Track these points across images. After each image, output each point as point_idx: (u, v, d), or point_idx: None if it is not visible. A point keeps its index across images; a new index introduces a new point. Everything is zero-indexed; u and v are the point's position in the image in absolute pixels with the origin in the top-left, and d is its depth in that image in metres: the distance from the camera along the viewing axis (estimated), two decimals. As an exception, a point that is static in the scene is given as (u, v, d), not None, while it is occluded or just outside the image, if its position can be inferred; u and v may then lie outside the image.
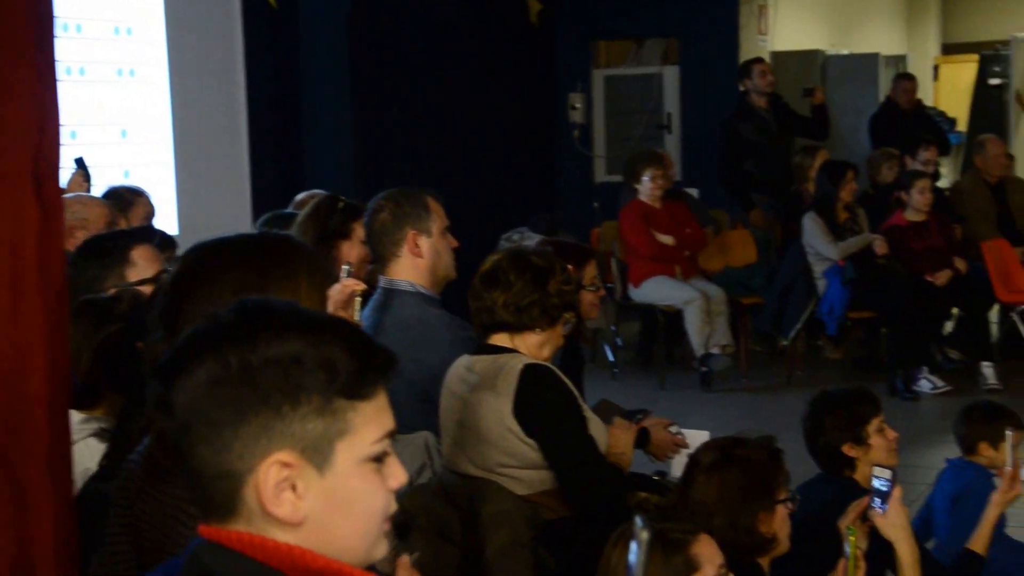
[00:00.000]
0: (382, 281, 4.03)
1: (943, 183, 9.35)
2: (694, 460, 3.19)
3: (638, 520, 1.67)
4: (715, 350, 7.95)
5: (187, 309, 2.11)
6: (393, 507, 1.56)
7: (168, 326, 2.15)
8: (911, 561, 3.13)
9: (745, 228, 9.03)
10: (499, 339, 3.60)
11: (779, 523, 3.13)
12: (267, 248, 2.23)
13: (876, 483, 3.22)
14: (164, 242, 4.43)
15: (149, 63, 7.06)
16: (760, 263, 8.74)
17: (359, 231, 4.29)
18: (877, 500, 3.20)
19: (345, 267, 3.53)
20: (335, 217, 4.37)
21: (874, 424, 3.93)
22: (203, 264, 2.19)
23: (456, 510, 3.42)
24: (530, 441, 3.48)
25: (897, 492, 3.17)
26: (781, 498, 3.13)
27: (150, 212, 5.60)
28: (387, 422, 1.55)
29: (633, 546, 1.65)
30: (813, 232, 7.89)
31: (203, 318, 1.54)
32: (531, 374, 3.49)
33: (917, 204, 7.99)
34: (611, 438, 3.71)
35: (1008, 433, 4.26)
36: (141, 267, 3.80)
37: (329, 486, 1.50)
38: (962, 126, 10.98)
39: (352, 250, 4.36)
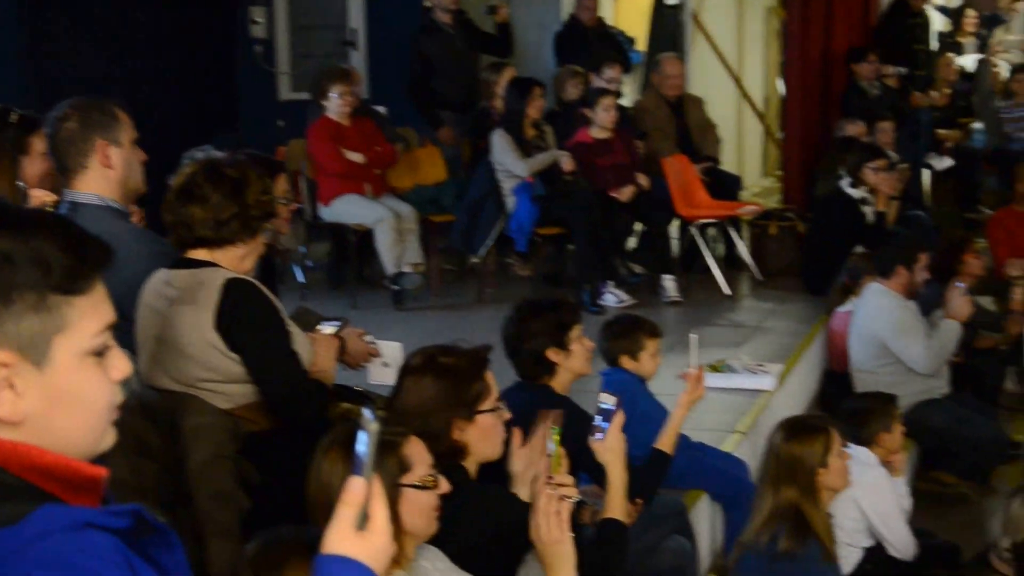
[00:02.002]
0: (67, 195, 3.79)
1: (626, 101, 9.62)
2: (406, 364, 3.20)
3: (366, 411, 1.64)
4: (406, 268, 7.95)
5: None
6: (119, 398, 1.56)
7: None
8: (620, 484, 3.22)
9: (434, 146, 9.04)
10: (198, 253, 3.48)
11: (480, 433, 3.15)
12: None
13: (602, 405, 3.27)
14: None
15: None
16: (449, 181, 8.78)
17: (38, 145, 4.03)
18: (599, 418, 3.25)
19: (20, 184, 3.30)
20: (9, 131, 4.10)
21: (575, 331, 4.04)
22: None
23: (155, 425, 3.30)
24: (233, 355, 3.40)
25: (618, 420, 3.23)
26: (484, 408, 3.15)
27: None
28: (106, 314, 1.53)
29: (362, 436, 1.63)
30: (502, 149, 7.96)
31: None
32: (233, 288, 3.39)
33: (602, 121, 8.18)
34: (314, 356, 3.66)
35: (691, 337, 4.47)
36: None
37: (50, 382, 1.48)
38: (641, 45, 11.33)
39: (32, 165, 4.10)
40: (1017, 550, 4.03)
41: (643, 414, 4.62)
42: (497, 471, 3.29)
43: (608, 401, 3.26)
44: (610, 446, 3.21)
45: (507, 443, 3.25)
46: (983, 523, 5.21)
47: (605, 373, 4.85)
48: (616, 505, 3.21)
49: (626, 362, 4.79)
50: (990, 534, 4.47)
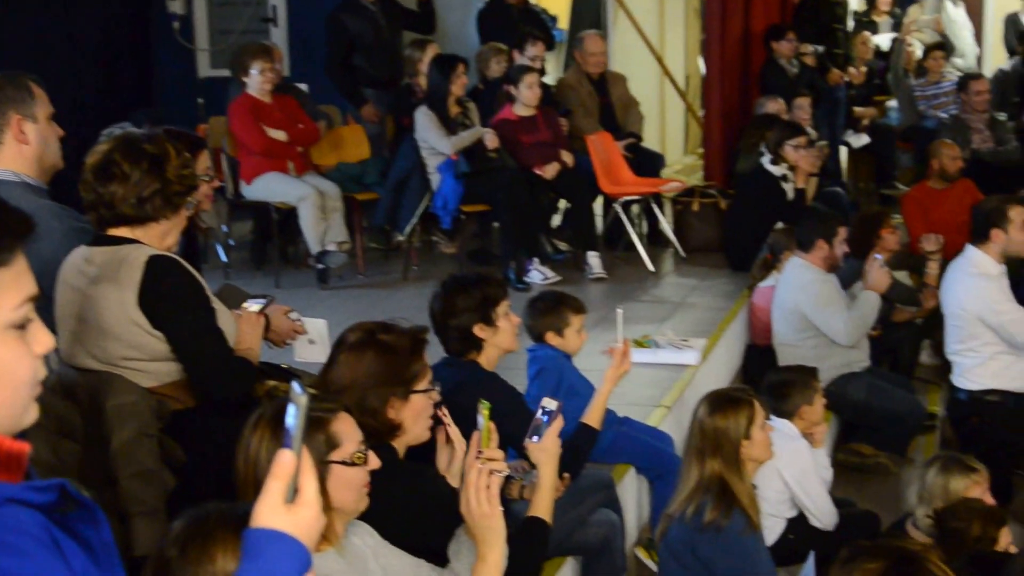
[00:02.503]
0: (-19, 171, 3.71)
1: (549, 79, 9.62)
2: (343, 339, 3.17)
3: (295, 385, 1.63)
4: (331, 247, 7.90)
5: None
6: (42, 373, 1.53)
7: None
8: (549, 484, 3.21)
9: (357, 123, 8.98)
10: (119, 230, 3.43)
11: (413, 413, 3.14)
12: None
13: (544, 407, 3.26)
14: None
15: None
16: (374, 159, 8.72)
17: None
18: (539, 413, 3.24)
19: None
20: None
21: (502, 307, 4.04)
22: None
23: (76, 406, 3.25)
24: (156, 333, 3.36)
25: (556, 425, 3.23)
26: (419, 388, 3.14)
27: None
28: (27, 287, 1.49)
29: (291, 409, 1.62)
30: (426, 126, 7.93)
31: None
32: (156, 265, 3.35)
33: (525, 99, 8.18)
34: (240, 334, 3.63)
35: (617, 312, 4.49)
36: None
37: None
38: (564, 23, 11.35)
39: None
40: (936, 518, 4.11)
41: (569, 389, 4.64)
42: (420, 455, 3.28)
43: (550, 404, 3.25)
44: (545, 447, 3.20)
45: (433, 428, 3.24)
46: (901, 492, 5.29)
47: (531, 349, 4.86)
48: (543, 505, 3.19)
49: (552, 338, 4.81)
50: (907, 503, 4.55)
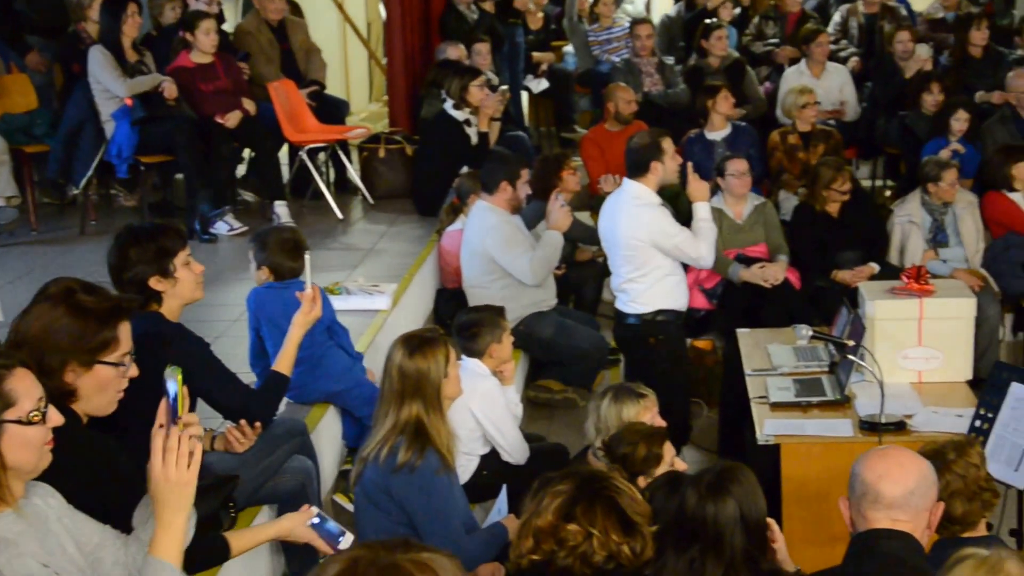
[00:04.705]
0: None
1: (227, 25, 9.37)
2: (43, 287, 3.07)
3: None
4: (-1, 203, 7.52)
5: None
6: None
7: None
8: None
9: (22, 72, 8.51)
10: None
11: (95, 383, 3.02)
12: None
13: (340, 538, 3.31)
14: None
15: None
16: (42, 109, 8.29)
17: None
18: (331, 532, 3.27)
19: None
20: None
21: (181, 257, 3.93)
22: None
23: None
24: None
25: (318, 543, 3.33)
26: (107, 359, 3.01)
27: None
28: None
29: None
30: (101, 64, 7.56)
31: None
32: None
33: (202, 45, 7.93)
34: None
35: (305, 256, 4.47)
36: None
37: None
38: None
39: None
40: (606, 447, 4.28)
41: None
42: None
43: (345, 541, 3.29)
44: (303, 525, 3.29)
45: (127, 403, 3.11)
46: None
47: (257, 290, 5.01)
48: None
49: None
50: (586, 436, 4.72)
